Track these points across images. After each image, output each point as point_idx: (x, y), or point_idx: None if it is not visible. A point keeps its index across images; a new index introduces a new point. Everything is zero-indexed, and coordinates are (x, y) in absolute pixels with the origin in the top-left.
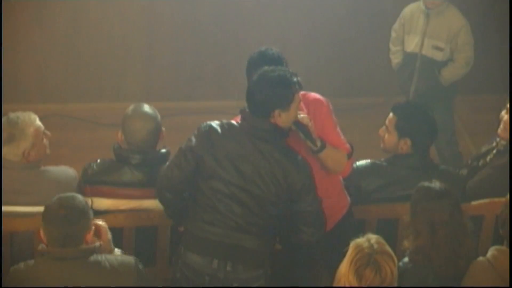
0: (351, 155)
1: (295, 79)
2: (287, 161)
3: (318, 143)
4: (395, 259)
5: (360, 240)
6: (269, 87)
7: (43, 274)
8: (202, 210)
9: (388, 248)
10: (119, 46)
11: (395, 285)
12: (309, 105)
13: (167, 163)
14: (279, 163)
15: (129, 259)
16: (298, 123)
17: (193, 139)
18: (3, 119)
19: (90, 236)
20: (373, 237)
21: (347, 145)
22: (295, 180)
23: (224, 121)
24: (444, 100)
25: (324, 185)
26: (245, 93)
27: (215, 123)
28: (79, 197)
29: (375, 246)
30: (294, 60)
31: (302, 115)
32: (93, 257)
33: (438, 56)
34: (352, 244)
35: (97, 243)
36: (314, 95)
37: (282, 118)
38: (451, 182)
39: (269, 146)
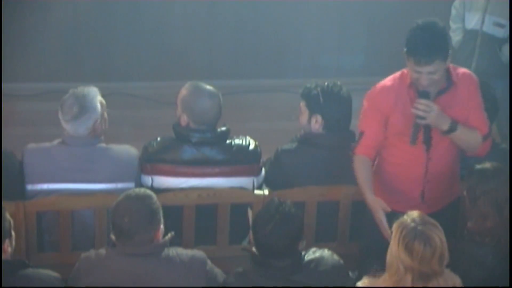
0: (487, 137)
1: None
2: None
3: (445, 127)
4: (440, 228)
5: (401, 219)
6: None
7: (114, 267)
8: None
9: (430, 219)
10: (181, 24)
11: (446, 254)
12: (460, 79)
13: None
14: None
15: (200, 254)
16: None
17: None
18: (65, 97)
19: (159, 232)
20: (413, 213)
21: (486, 127)
22: None
23: None
24: (505, 77)
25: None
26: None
27: None
28: (148, 195)
29: (417, 219)
30: (307, 38)
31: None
32: (164, 253)
33: (499, 32)
34: (395, 225)
35: (168, 236)
36: (464, 70)
37: None
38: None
39: None
